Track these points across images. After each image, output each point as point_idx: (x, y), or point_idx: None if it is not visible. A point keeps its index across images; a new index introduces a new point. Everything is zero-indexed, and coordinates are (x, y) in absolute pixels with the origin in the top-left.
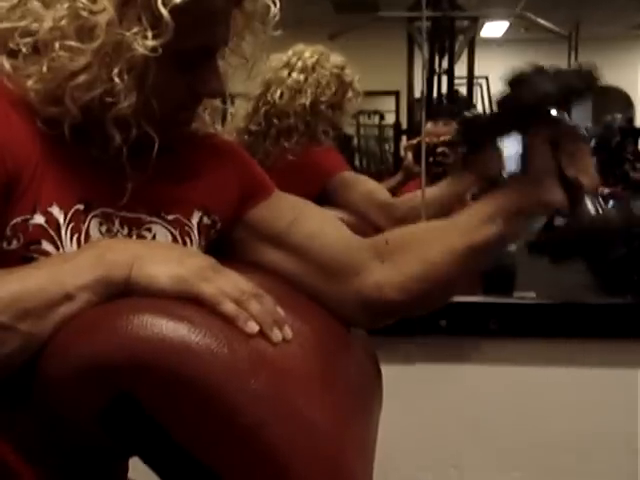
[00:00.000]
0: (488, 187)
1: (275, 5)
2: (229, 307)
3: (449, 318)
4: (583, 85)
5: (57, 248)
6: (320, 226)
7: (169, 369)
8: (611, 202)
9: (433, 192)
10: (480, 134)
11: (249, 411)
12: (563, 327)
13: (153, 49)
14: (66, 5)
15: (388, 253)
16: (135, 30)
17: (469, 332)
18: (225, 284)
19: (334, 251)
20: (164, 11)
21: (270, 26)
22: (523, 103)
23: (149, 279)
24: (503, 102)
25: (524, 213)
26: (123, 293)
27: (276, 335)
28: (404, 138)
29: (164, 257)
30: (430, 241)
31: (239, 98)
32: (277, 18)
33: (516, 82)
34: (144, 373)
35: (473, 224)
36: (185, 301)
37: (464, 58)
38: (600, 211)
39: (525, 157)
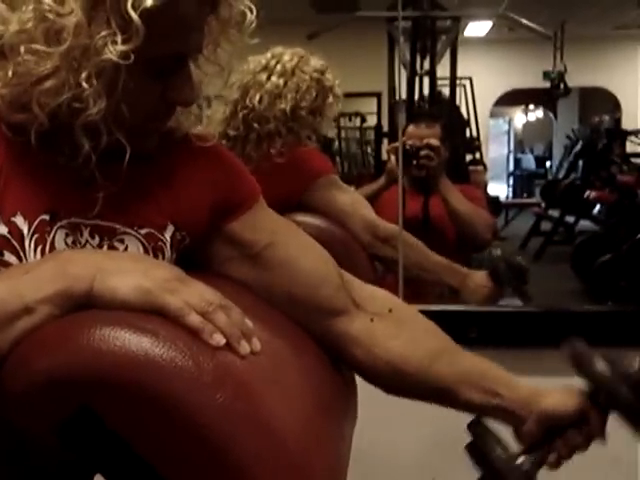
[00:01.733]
0: None
1: (251, 12)
2: (194, 319)
3: None
4: None
5: (20, 259)
6: (296, 255)
7: (131, 383)
8: (597, 207)
9: None
10: None
11: (215, 425)
12: (545, 335)
13: (124, 55)
14: (31, 7)
15: (380, 317)
16: (104, 34)
17: None
18: (191, 296)
19: (305, 284)
20: (134, 15)
21: (246, 33)
22: None
23: (112, 291)
24: None
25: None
26: (86, 305)
27: (244, 347)
28: (386, 141)
29: (128, 268)
30: (436, 355)
31: (216, 101)
32: (253, 25)
33: None
34: (106, 387)
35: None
36: (149, 313)
37: (447, 58)
38: None
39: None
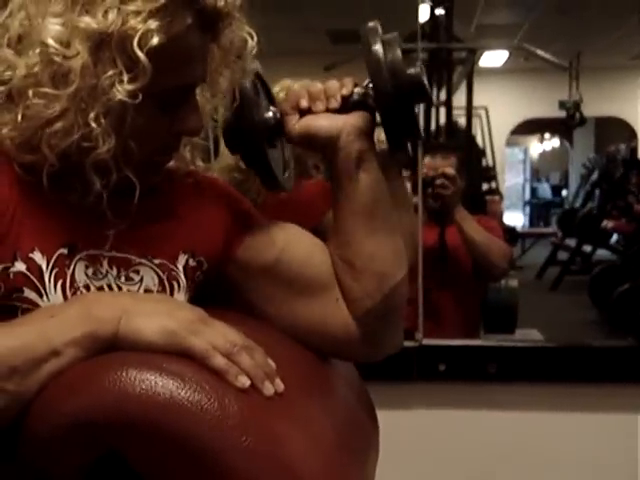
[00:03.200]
0: None
1: (252, 39)
2: (219, 361)
3: (448, 362)
4: None
5: (40, 295)
6: (309, 252)
7: (157, 426)
8: (615, 236)
9: None
10: None
11: (240, 468)
12: (565, 371)
13: (132, 95)
14: (39, 52)
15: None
16: (110, 73)
17: (468, 376)
18: (215, 337)
19: (321, 277)
20: (141, 54)
21: (248, 60)
22: None
23: (137, 333)
24: None
25: (360, 154)
26: (111, 347)
27: (268, 388)
28: None
29: (152, 310)
30: (336, 247)
31: None
32: (254, 51)
33: None
34: (132, 430)
35: (345, 204)
36: (175, 355)
37: (463, 88)
38: None
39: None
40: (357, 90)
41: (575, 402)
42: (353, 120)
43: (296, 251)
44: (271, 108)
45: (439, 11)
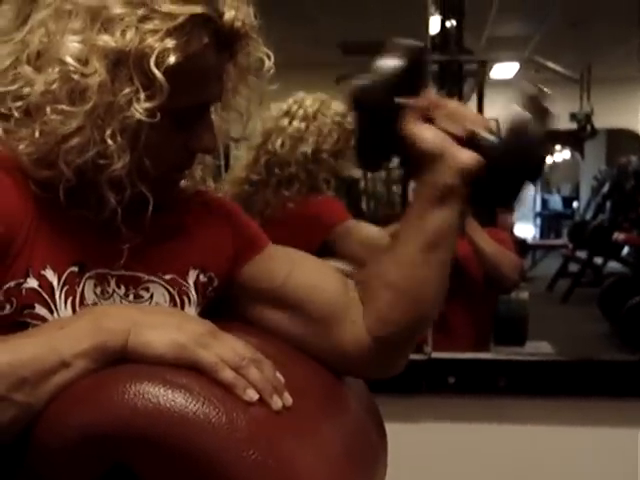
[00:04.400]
0: None
1: (269, 59)
2: (228, 375)
3: (457, 375)
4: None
5: (51, 312)
6: (314, 277)
7: (166, 439)
8: (626, 249)
9: None
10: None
11: None
12: (575, 385)
13: (150, 113)
14: (57, 69)
15: (361, 295)
16: (127, 91)
17: (477, 390)
18: (224, 350)
19: (330, 302)
20: (157, 72)
21: (265, 79)
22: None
23: (146, 345)
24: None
25: (448, 191)
26: (121, 359)
27: (276, 402)
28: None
29: (161, 323)
30: (383, 263)
31: (240, 145)
32: (271, 72)
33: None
34: (140, 443)
35: (413, 227)
36: (183, 368)
37: (474, 100)
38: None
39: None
40: (482, 132)
41: (586, 416)
42: (465, 156)
43: (302, 276)
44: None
45: (450, 23)
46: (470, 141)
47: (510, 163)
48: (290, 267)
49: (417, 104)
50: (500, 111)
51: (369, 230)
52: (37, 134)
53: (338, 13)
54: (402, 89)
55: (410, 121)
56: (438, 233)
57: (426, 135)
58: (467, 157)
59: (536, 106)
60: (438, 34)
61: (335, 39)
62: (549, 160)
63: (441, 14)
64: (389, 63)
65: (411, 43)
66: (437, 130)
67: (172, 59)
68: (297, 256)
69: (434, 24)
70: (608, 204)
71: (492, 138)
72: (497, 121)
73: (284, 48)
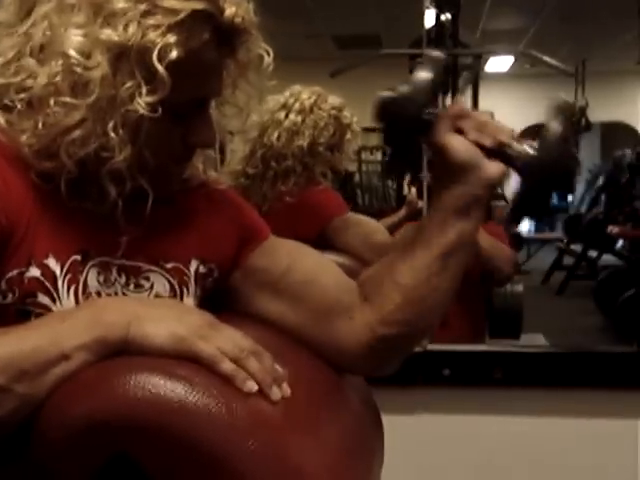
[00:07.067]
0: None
1: (269, 55)
2: (227, 366)
3: (452, 367)
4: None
5: (53, 300)
6: (315, 271)
7: (165, 429)
8: (620, 242)
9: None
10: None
11: (247, 472)
12: (571, 376)
13: (151, 108)
14: (60, 62)
15: (367, 292)
16: (129, 85)
17: (473, 382)
18: (223, 342)
19: (329, 296)
20: (159, 67)
21: (264, 75)
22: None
23: (146, 338)
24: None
25: (474, 201)
26: (121, 352)
27: (275, 393)
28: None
29: (162, 315)
30: (397, 265)
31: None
32: (271, 68)
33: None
34: (141, 433)
35: (434, 233)
36: (183, 360)
37: (469, 93)
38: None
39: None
40: (513, 144)
41: (581, 408)
42: (495, 168)
43: (303, 269)
44: (433, 109)
45: (445, 17)
46: (499, 152)
47: (546, 175)
48: (291, 259)
49: (448, 115)
50: (495, 105)
51: (368, 223)
52: (39, 126)
53: (332, 6)
54: (430, 100)
55: (442, 131)
56: (458, 242)
57: (459, 146)
58: (496, 169)
59: (567, 118)
60: (433, 27)
61: (329, 33)
62: None
63: (436, 7)
64: (419, 76)
65: (438, 54)
66: (468, 141)
67: (174, 54)
68: (298, 248)
69: (429, 18)
70: (603, 197)
71: (523, 149)
72: (525, 131)
73: (277, 42)
